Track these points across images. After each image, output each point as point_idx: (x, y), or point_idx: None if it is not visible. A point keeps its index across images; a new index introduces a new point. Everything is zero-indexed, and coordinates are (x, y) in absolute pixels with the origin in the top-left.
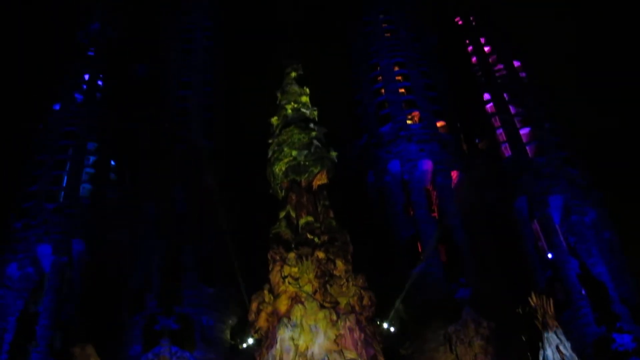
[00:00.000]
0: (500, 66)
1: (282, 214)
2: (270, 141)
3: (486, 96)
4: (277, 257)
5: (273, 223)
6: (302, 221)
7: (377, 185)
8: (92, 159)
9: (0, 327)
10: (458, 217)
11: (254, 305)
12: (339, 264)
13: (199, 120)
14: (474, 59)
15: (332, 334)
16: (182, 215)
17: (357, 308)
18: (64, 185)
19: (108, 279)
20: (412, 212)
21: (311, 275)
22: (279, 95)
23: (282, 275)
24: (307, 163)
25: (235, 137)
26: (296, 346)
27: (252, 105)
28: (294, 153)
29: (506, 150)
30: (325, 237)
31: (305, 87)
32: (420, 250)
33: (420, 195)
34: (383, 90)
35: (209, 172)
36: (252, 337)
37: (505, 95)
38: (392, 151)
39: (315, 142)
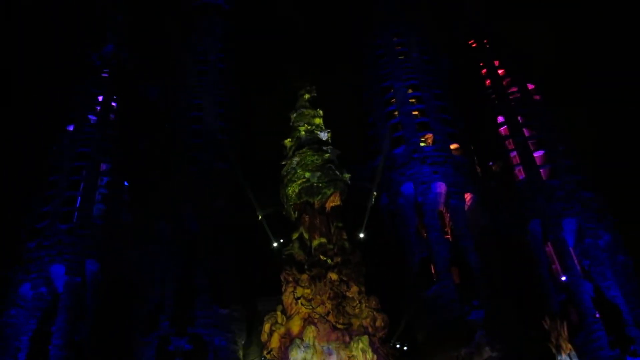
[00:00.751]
0: (514, 89)
1: (295, 236)
2: (283, 163)
3: (500, 119)
4: (290, 279)
5: (286, 244)
6: (315, 243)
7: (391, 207)
8: (105, 180)
9: (13, 346)
10: (471, 239)
11: (266, 326)
12: (352, 285)
13: (211, 141)
14: (487, 82)
15: (345, 355)
16: (195, 237)
17: (370, 329)
18: (77, 206)
19: (121, 299)
20: (425, 234)
21: (324, 297)
22: (292, 117)
23: (295, 296)
24: (320, 185)
25: (248, 159)
26: None
27: (265, 126)
28: (308, 175)
29: (520, 173)
30: (339, 259)
31: (318, 109)
32: (433, 272)
33: (433, 217)
34: (396, 113)
35: (222, 193)
36: (265, 358)
37: (519, 118)
38: (405, 173)
39: (329, 164)
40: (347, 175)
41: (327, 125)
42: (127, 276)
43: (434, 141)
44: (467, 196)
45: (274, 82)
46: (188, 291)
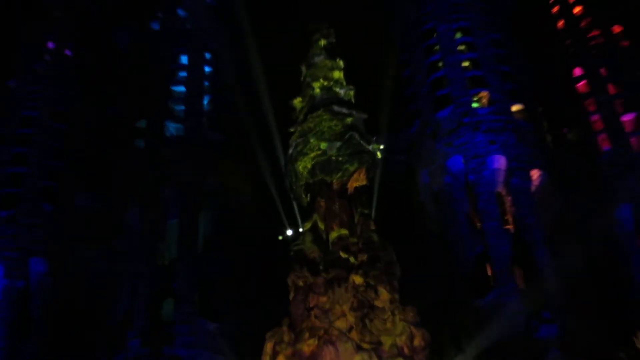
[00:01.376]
0: (596, 32)
1: (307, 226)
2: (291, 130)
3: (577, 72)
4: (301, 283)
5: (295, 237)
6: (333, 235)
7: (433, 187)
8: (58, 153)
9: None
10: (540, 231)
11: (269, 346)
12: (382, 292)
13: (199, 103)
14: (560, 23)
15: None
16: (175, 228)
17: (406, 350)
18: (22, 187)
19: (77, 310)
20: (479, 224)
21: (345, 307)
22: (303, 69)
23: (307, 306)
24: (340, 159)
25: (246, 126)
26: None
27: (268, 82)
28: (323, 145)
29: (604, 143)
30: (364, 257)
31: (338, 60)
32: (490, 273)
33: (490, 201)
34: (441, 64)
35: (213, 171)
36: None
37: (602, 70)
38: (453, 143)
39: (352, 131)
40: (376, 146)
41: (350, 80)
42: (85, 279)
43: (490, 101)
44: (535, 173)
45: (280, 23)
46: (165, 299)
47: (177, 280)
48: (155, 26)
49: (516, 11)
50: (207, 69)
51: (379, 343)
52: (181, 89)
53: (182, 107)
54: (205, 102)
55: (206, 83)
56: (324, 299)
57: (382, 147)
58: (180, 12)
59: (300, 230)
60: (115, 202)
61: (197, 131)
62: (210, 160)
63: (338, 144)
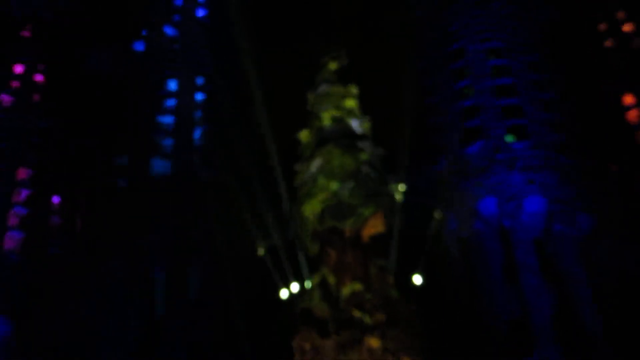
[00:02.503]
0: None
1: (315, 280)
2: (297, 168)
3: (628, 99)
4: (307, 346)
5: (301, 293)
6: (345, 290)
7: (462, 235)
8: (25, 192)
9: None
10: (587, 285)
11: None
12: (403, 357)
13: (190, 136)
14: (608, 43)
15: None
16: (164, 280)
17: None
18: None
19: None
20: (516, 277)
21: None
22: (310, 97)
23: None
24: (354, 202)
25: (244, 162)
26: None
27: (270, 112)
28: (334, 186)
29: None
30: (382, 316)
31: (351, 86)
32: (529, 334)
33: (528, 251)
34: (471, 91)
35: (205, 214)
36: None
37: None
38: (484, 183)
39: (367, 168)
40: (395, 187)
41: (365, 110)
42: (58, 342)
43: (527, 134)
44: (582, 218)
45: (285, 43)
46: None
47: (163, 344)
48: (140, 47)
49: (557, 29)
50: (199, 96)
51: None
52: (169, 119)
53: (170, 141)
54: (197, 135)
55: (198, 113)
56: None
57: (402, 187)
58: (169, 31)
59: (307, 285)
60: (93, 250)
61: (187, 169)
62: (203, 202)
63: (351, 184)
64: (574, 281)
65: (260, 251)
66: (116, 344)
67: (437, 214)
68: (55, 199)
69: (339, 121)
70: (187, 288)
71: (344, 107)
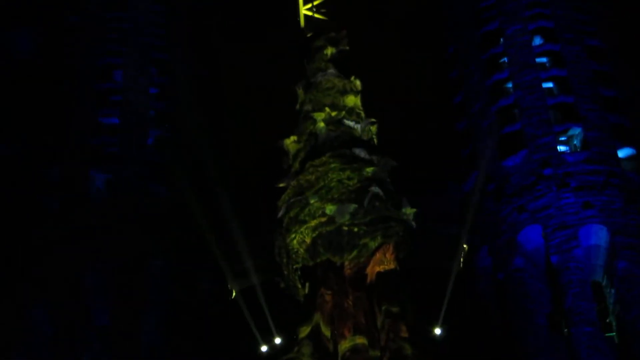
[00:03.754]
0: None
1: (305, 332)
2: (281, 185)
3: None
4: None
5: (287, 347)
6: (344, 345)
7: (497, 274)
8: None
9: None
10: None
11: None
12: None
13: (141, 146)
14: None
15: None
16: (105, 336)
17: None
18: None
19: None
20: (566, 329)
21: None
22: (300, 93)
23: None
24: (356, 229)
25: (210, 177)
26: None
27: (247, 115)
28: (330, 209)
29: None
30: None
31: (353, 78)
32: None
33: (583, 296)
34: (510, 85)
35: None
36: None
37: None
38: (527, 207)
39: (373, 186)
40: (409, 211)
41: (371, 110)
42: None
43: (585, 142)
44: None
45: (267, 22)
46: None
47: None
48: (74, 22)
49: (627, 5)
50: (152, 90)
51: None
52: (114, 121)
53: (115, 149)
54: (150, 140)
55: (151, 112)
56: None
57: (417, 212)
58: (115, 5)
59: (295, 337)
60: (14, 295)
61: (137, 186)
62: (157, 230)
63: (352, 207)
64: None
65: (233, 293)
66: None
67: (465, 247)
68: None
69: (337, 124)
70: (139, 343)
71: (344, 106)
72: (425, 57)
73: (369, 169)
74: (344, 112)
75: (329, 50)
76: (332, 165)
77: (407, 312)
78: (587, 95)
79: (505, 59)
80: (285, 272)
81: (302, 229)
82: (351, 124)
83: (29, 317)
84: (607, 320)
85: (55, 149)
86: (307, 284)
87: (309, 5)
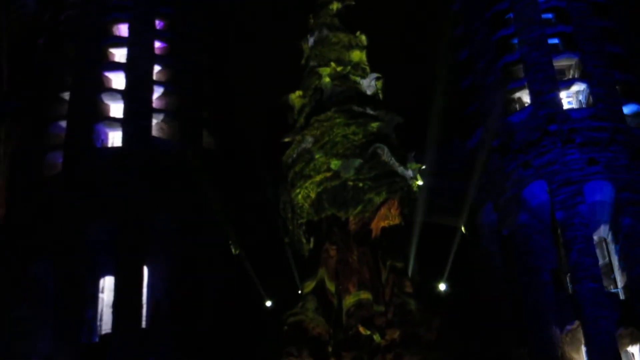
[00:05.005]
0: None
1: (309, 287)
2: (286, 140)
3: None
4: None
5: (290, 303)
6: (349, 300)
7: (502, 230)
8: None
9: None
10: None
11: None
12: None
13: (146, 101)
14: None
15: None
16: (109, 289)
17: None
18: None
19: None
20: (571, 286)
21: None
22: (305, 48)
23: None
24: (360, 185)
25: (219, 136)
26: None
27: (253, 69)
28: (335, 164)
29: None
30: (396, 334)
31: (359, 34)
32: (589, 358)
33: (587, 252)
34: (516, 41)
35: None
36: None
37: None
38: (532, 163)
39: (378, 143)
40: (414, 167)
41: (376, 66)
42: None
43: (591, 98)
44: None
45: None
46: None
47: None
48: None
49: None
50: (158, 44)
51: None
52: (119, 75)
53: (120, 104)
54: (155, 96)
55: (157, 67)
56: None
57: (423, 167)
58: None
59: (299, 292)
60: (17, 249)
61: (142, 141)
62: (162, 185)
63: (357, 162)
64: None
65: (236, 249)
66: None
67: (470, 203)
68: None
69: (342, 79)
70: (141, 297)
71: (350, 61)
72: (431, 13)
73: (374, 124)
74: (349, 67)
75: (335, 5)
76: (337, 120)
77: (411, 268)
78: (592, 51)
79: (511, 15)
80: (290, 227)
81: (307, 184)
82: (357, 79)
83: (33, 271)
84: (612, 276)
85: (60, 103)
86: (311, 239)
87: None
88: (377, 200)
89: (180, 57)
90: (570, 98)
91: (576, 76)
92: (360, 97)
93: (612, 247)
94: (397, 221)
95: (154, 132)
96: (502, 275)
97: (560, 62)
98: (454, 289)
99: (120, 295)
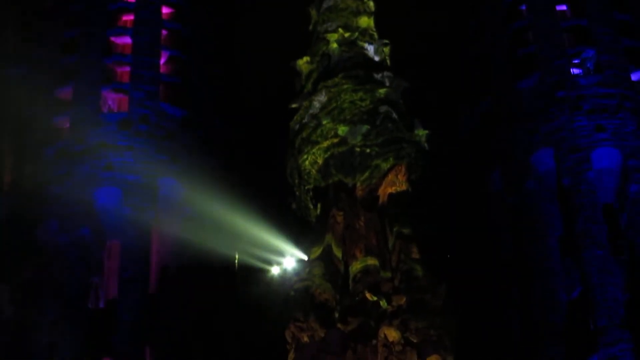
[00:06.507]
0: None
1: (316, 252)
2: (293, 106)
3: None
4: (305, 338)
5: (296, 271)
6: (356, 266)
7: (509, 197)
8: None
9: None
10: None
11: None
12: (431, 354)
13: (154, 66)
14: None
15: None
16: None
17: None
18: None
19: None
20: (578, 253)
21: None
22: (313, 13)
23: None
24: (368, 151)
25: (226, 101)
26: None
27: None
28: (343, 130)
29: None
30: (403, 300)
31: (367, 0)
32: (592, 325)
33: (594, 219)
34: (524, 7)
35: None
36: None
37: None
38: (540, 130)
39: (386, 108)
40: (422, 133)
41: (384, 32)
42: None
43: (598, 65)
44: None
45: None
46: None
47: (118, 333)
48: None
49: None
50: (165, 10)
51: None
52: (125, 40)
53: (127, 69)
54: (163, 60)
55: (164, 31)
56: None
57: (429, 133)
58: None
59: (306, 258)
60: (24, 211)
61: (149, 106)
62: (169, 149)
63: (365, 128)
64: None
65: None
66: (52, 334)
67: (477, 169)
68: None
69: (350, 45)
70: (148, 262)
71: (357, 27)
72: None
73: (382, 90)
74: (357, 33)
75: None
76: (345, 86)
77: (419, 234)
78: (601, 18)
79: None
80: (297, 193)
81: (314, 150)
82: (364, 45)
83: (39, 236)
84: (618, 244)
85: (67, 69)
86: (318, 205)
87: None
88: (385, 166)
89: (187, 22)
90: (578, 65)
91: (584, 43)
92: (368, 63)
93: (618, 214)
94: (404, 187)
95: (161, 97)
96: (509, 242)
97: (569, 28)
98: (461, 256)
99: (127, 261)
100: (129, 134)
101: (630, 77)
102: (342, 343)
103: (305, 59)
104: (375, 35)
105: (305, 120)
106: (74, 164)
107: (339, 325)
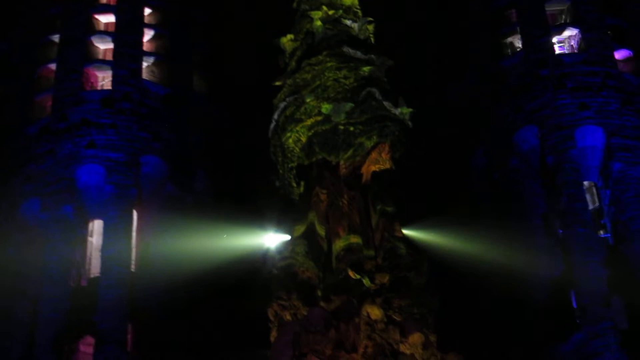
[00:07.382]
0: None
1: (299, 231)
2: (277, 83)
3: None
4: (288, 316)
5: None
6: (339, 244)
7: (492, 175)
8: None
9: None
10: None
11: None
12: (413, 331)
13: (136, 43)
14: None
15: None
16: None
17: None
18: None
19: None
20: (561, 230)
21: (356, 355)
22: None
23: (298, 352)
24: (351, 128)
25: (210, 79)
26: None
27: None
28: (326, 108)
29: None
30: (386, 278)
31: None
32: (575, 304)
33: (577, 197)
34: None
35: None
36: None
37: None
38: (523, 108)
39: (370, 87)
40: (405, 110)
41: (368, 10)
42: None
43: (583, 43)
44: None
45: None
46: (80, 338)
47: (99, 311)
48: None
49: None
50: None
51: None
52: (109, 18)
53: (110, 46)
54: (146, 38)
55: (147, 9)
56: (323, 340)
57: (414, 111)
58: None
59: (288, 237)
60: (2, 189)
61: (132, 83)
62: (152, 127)
63: (348, 105)
64: (635, 236)
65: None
66: (33, 311)
67: (460, 147)
68: None
69: (334, 23)
70: (130, 240)
71: (341, 5)
72: None
73: (366, 68)
74: (341, 11)
75: None
76: (329, 64)
77: (402, 213)
78: None
79: None
80: (281, 171)
81: (297, 128)
82: (348, 22)
83: (21, 214)
84: (602, 222)
85: (49, 46)
86: (302, 183)
87: None
88: (368, 144)
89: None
90: (562, 43)
91: (568, 21)
92: (352, 40)
93: (602, 192)
94: (388, 165)
95: (144, 74)
96: (492, 220)
97: (552, 7)
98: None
99: (109, 239)
100: (112, 112)
101: (614, 56)
102: (324, 321)
103: (289, 36)
104: (360, 13)
105: (288, 98)
106: (57, 141)
107: (321, 303)
